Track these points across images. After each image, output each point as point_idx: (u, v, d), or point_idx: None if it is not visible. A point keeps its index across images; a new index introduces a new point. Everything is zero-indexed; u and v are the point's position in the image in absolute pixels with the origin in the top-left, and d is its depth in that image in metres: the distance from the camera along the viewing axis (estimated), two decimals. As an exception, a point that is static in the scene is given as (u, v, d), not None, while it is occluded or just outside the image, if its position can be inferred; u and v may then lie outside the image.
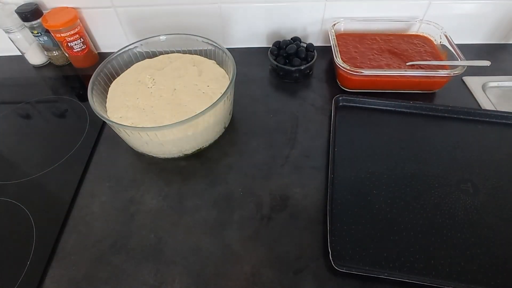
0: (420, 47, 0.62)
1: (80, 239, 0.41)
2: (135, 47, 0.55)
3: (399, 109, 0.55)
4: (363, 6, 0.64)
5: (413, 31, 0.66)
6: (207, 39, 0.54)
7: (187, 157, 0.49)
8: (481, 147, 0.49)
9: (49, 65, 0.69)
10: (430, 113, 0.55)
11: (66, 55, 0.66)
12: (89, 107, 0.46)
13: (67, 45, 0.62)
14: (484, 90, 0.59)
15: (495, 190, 0.44)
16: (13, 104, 0.60)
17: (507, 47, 0.70)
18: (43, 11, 0.61)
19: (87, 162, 0.49)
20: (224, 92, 0.45)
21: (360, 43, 0.63)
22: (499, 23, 0.66)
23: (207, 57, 0.56)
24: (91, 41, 0.68)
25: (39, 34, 0.62)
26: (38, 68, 0.69)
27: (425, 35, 0.64)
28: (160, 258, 0.39)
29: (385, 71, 0.56)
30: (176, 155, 0.48)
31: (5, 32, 0.62)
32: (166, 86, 0.50)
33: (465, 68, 0.53)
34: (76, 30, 0.62)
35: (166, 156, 0.48)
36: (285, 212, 0.43)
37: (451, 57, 0.57)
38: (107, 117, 0.44)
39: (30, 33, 0.62)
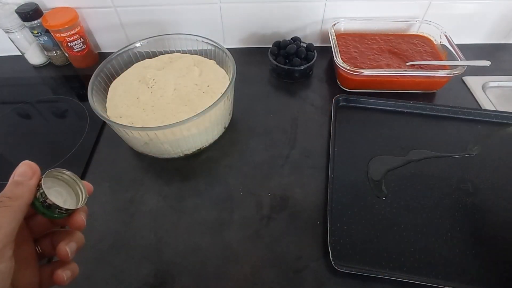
0: (420, 47, 0.62)
1: (80, 239, 0.41)
2: (135, 47, 0.55)
3: (399, 109, 0.55)
4: (363, 6, 0.64)
5: (413, 31, 0.66)
6: (207, 39, 0.54)
7: (187, 157, 0.49)
8: (481, 147, 0.49)
9: (49, 65, 0.69)
10: (430, 113, 0.55)
11: (66, 55, 0.66)
12: (89, 107, 0.46)
13: (67, 45, 0.62)
14: (484, 90, 0.59)
15: (495, 190, 0.44)
16: (13, 104, 0.60)
17: (507, 47, 0.70)
18: (43, 11, 0.61)
19: (87, 162, 0.49)
20: (224, 92, 0.45)
21: (360, 43, 0.63)
22: (499, 23, 0.66)
23: (207, 57, 0.56)
24: (91, 41, 0.68)
25: (39, 34, 0.62)
26: (38, 68, 0.68)
27: (425, 35, 0.64)
28: (160, 258, 0.39)
29: (385, 71, 0.56)
30: (176, 155, 0.48)
31: (5, 32, 0.62)
32: (166, 86, 0.50)
33: (465, 68, 0.53)
34: (76, 30, 0.62)
35: (166, 156, 0.48)
36: (285, 212, 0.43)
37: (451, 57, 0.57)
38: (107, 117, 0.44)
39: (30, 33, 0.62)
